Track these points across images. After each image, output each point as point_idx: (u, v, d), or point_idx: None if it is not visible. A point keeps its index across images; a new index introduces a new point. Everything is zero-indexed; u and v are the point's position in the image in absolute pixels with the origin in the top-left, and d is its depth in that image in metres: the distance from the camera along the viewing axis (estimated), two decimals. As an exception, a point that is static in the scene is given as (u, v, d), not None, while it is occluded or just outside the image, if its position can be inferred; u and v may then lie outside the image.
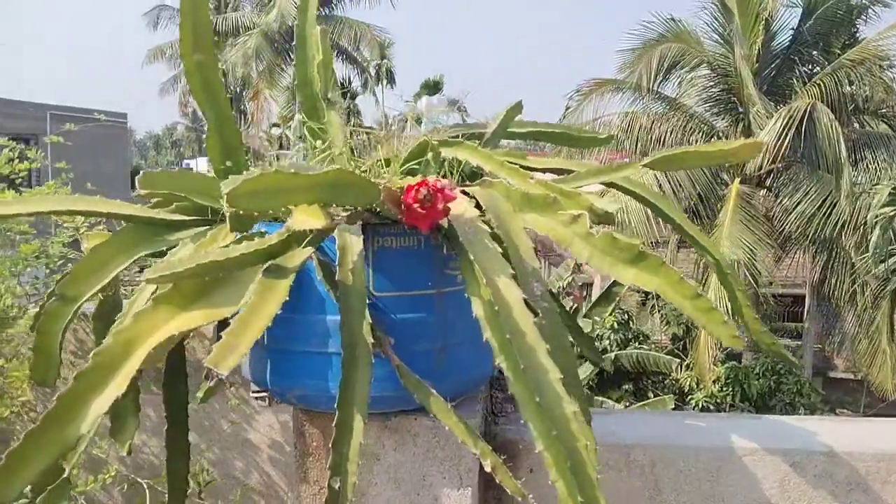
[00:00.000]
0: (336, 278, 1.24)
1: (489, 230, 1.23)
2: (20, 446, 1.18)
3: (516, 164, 1.79)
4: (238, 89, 25.34)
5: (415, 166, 1.53)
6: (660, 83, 15.73)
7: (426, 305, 1.39)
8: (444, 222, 1.27)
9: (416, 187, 1.15)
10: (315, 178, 0.92)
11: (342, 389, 1.18)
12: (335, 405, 1.22)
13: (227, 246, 1.19)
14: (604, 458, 1.68)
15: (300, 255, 1.22)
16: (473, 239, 1.21)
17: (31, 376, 1.62)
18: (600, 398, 12.34)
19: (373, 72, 30.43)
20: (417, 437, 1.47)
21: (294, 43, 1.78)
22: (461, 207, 1.26)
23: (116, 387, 1.21)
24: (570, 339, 1.96)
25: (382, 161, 1.61)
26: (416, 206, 1.15)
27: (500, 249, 1.21)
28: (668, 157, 1.81)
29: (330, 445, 1.17)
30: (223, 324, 1.58)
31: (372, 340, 1.20)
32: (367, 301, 1.35)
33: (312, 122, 1.79)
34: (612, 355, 13.80)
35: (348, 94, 25.81)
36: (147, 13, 29.83)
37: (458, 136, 1.87)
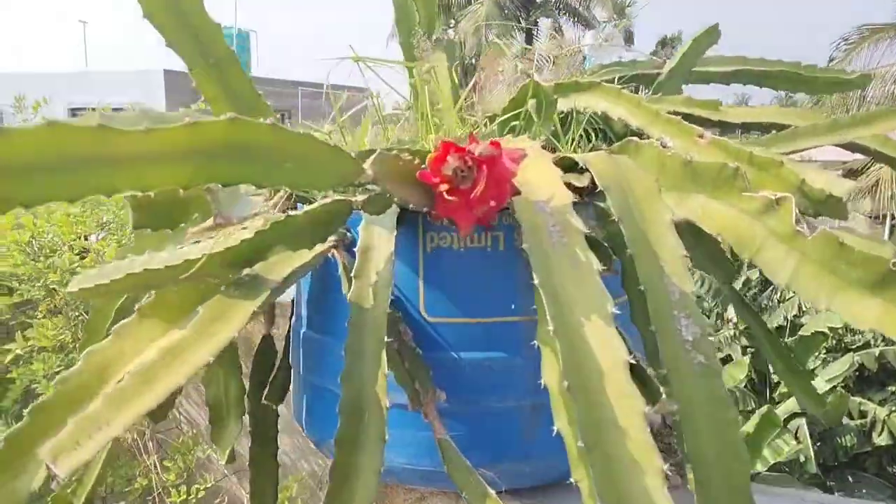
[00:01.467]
0: (348, 297, 0.79)
1: (584, 231, 0.69)
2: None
3: (696, 115, 1.21)
4: (472, 60, 25.52)
5: (517, 122, 1.03)
6: (958, 24, 12.85)
7: (508, 340, 0.88)
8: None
9: (441, 157, 0.66)
10: (166, 136, 0.47)
11: (331, 484, 0.74)
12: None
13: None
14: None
15: (287, 262, 0.79)
16: (549, 245, 0.69)
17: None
18: (857, 399, 10.51)
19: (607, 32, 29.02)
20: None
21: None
22: (542, 189, 0.73)
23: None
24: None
25: (484, 116, 1.13)
26: (443, 187, 0.66)
27: (598, 266, 0.67)
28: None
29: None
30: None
31: (387, 404, 0.74)
32: (417, 331, 0.89)
33: (414, 65, 1.35)
34: (877, 351, 11.70)
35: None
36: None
37: (612, 79, 1.31)
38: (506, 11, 23.11)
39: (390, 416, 0.91)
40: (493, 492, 0.76)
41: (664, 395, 0.68)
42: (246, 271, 0.78)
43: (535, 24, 24.95)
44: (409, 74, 1.37)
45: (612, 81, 1.32)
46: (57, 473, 0.58)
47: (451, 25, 27.26)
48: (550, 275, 0.66)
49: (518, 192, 0.71)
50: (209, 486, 1.71)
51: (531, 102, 0.95)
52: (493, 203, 0.69)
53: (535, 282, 0.64)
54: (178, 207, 0.78)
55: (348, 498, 0.73)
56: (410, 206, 0.72)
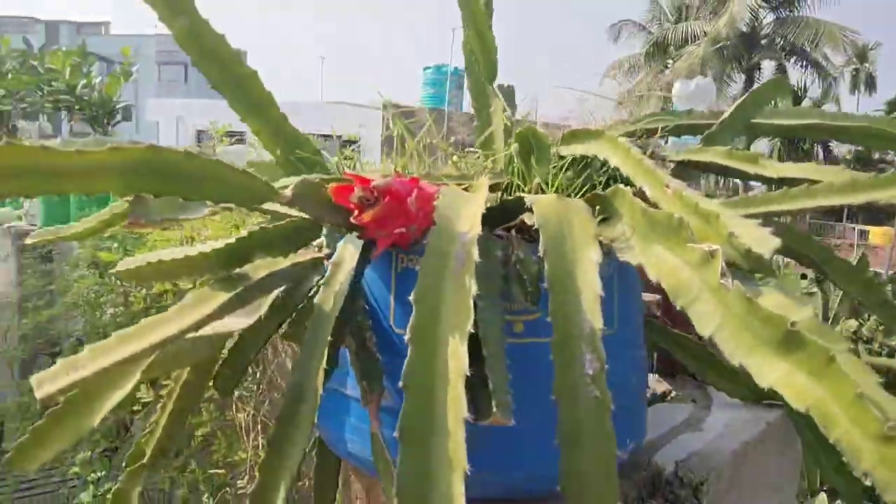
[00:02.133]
0: (315, 300, 0.95)
1: (477, 261, 0.78)
2: (43, 424, 1.17)
3: (733, 167, 1.22)
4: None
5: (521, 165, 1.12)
6: None
7: (462, 357, 0.98)
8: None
9: (347, 187, 0.79)
10: (96, 158, 0.65)
11: (266, 455, 0.89)
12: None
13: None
14: None
15: (268, 267, 0.96)
16: (450, 270, 0.78)
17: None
18: None
19: (847, 77, 26.74)
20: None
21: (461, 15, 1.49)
22: (464, 222, 0.83)
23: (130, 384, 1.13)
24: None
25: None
26: (356, 211, 0.79)
27: (473, 290, 0.75)
28: None
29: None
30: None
31: (321, 391, 0.88)
32: (385, 339, 1.02)
33: (479, 112, 1.49)
34: None
35: (800, 103, 23.01)
36: (611, 27, 30.99)
37: (655, 129, 1.35)
38: (725, 53, 22.13)
39: (359, 411, 1.05)
40: (398, 483, 0.86)
41: (495, 409, 0.75)
42: (237, 270, 0.96)
43: (758, 66, 23.59)
44: (476, 117, 1.51)
45: (654, 131, 1.36)
46: (36, 395, 0.79)
47: (667, 66, 26.62)
48: (437, 294, 0.76)
49: (433, 223, 0.82)
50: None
51: (514, 146, 1.05)
52: (402, 230, 0.81)
53: (411, 297, 0.75)
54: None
55: (277, 463, 0.87)
56: (326, 224, 0.86)
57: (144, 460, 1.38)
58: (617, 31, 30.72)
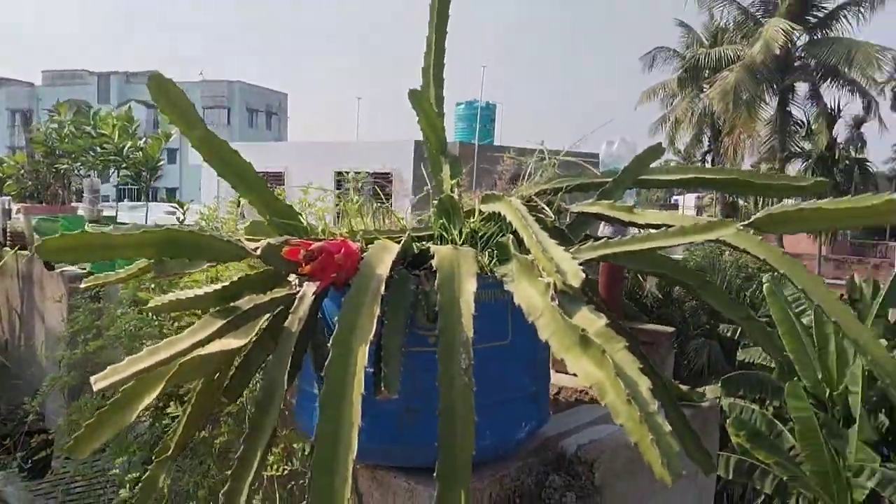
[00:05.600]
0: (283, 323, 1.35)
1: (382, 294, 1.18)
2: (94, 421, 1.55)
3: (612, 216, 1.59)
4: (717, 126, 24.73)
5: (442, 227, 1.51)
6: None
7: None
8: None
9: (294, 249, 1.20)
10: (134, 237, 1.07)
11: (248, 432, 1.29)
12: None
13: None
14: None
15: (254, 300, 1.37)
16: (365, 298, 1.18)
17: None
18: None
19: (888, 94, 26.29)
20: (397, 495, 1.44)
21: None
22: (381, 267, 1.23)
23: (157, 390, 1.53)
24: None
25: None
26: (303, 264, 1.20)
27: (377, 313, 1.15)
28: (779, 216, 1.35)
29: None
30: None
31: (286, 385, 1.27)
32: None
33: (434, 175, 1.88)
34: None
35: (834, 123, 22.86)
36: (644, 56, 31.22)
37: (561, 188, 1.73)
38: (758, 76, 22.13)
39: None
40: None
41: (384, 390, 1.13)
42: (232, 303, 1.37)
43: (792, 88, 23.53)
44: (433, 179, 1.90)
45: (559, 190, 1.74)
46: (94, 388, 1.21)
47: (702, 90, 26.66)
48: (355, 317, 1.15)
49: (358, 269, 1.22)
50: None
51: (433, 210, 1.44)
52: (335, 275, 1.21)
53: (336, 318, 1.14)
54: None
55: (255, 441, 1.27)
56: (285, 273, 1.26)
57: (169, 453, 1.79)
58: (651, 59, 30.78)
